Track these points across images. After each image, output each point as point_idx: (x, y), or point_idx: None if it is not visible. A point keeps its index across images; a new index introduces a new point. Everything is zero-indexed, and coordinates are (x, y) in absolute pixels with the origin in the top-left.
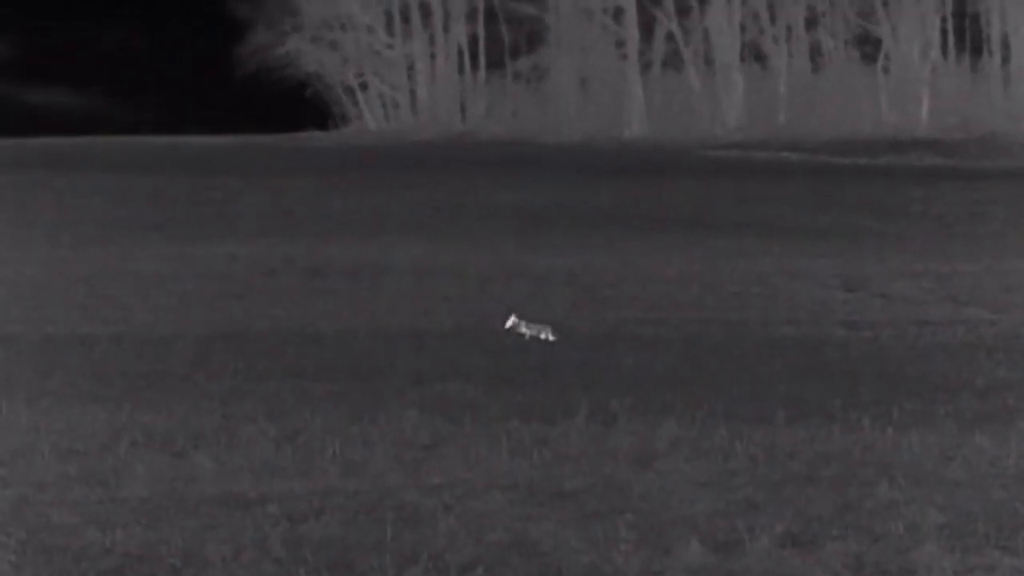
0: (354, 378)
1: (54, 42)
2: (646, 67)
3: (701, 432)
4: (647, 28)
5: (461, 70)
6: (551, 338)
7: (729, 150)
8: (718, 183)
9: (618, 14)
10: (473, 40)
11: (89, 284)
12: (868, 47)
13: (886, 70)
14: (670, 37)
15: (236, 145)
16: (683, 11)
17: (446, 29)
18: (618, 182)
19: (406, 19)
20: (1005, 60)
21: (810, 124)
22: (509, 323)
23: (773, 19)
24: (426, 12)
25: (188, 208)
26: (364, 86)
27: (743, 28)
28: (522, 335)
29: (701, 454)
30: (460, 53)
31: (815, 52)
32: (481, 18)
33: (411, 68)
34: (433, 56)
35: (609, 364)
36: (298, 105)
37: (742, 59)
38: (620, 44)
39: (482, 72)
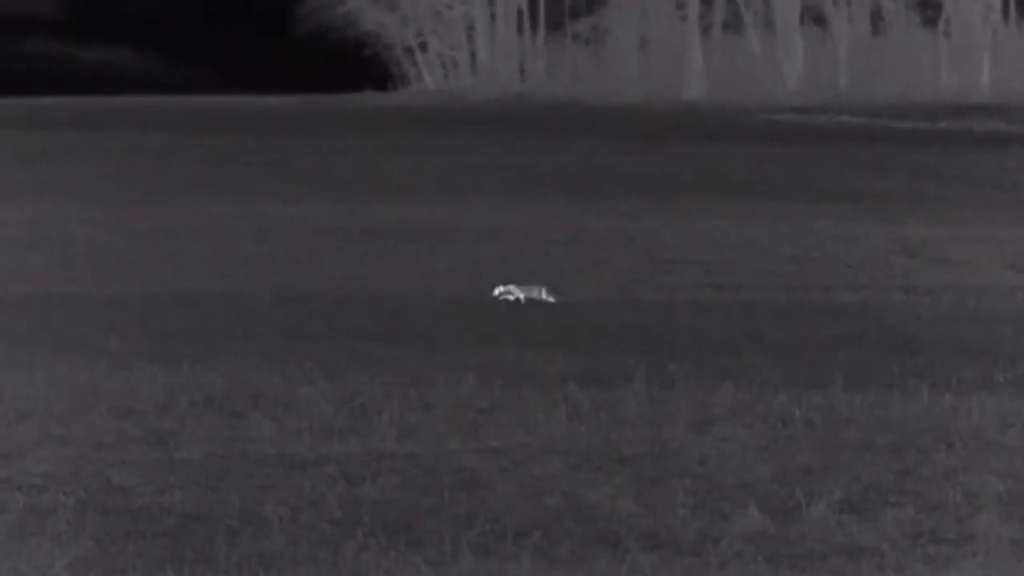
0: (412, 341)
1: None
2: (706, 29)
3: (759, 397)
4: None
5: (521, 31)
6: (550, 299)
7: (788, 114)
8: (777, 147)
9: None
10: (533, 1)
11: (147, 243)
12: (929, 11)
13: (947, 34)
14: None
15: (294, 105)
16: None
17: None
18: (677, 145)
19: None
20: None
21: (870, 88)
22: (497, 291)
23: None
24: None
25: (246, 168)
26: (424, 46)
27: None
28: (517, 300)
29: (759, 419)
30: (520, 14)
31: (875, 15)
32: None
33: (471, 28)
34: (493, 17)
35: (667, 328)
36: (357, 65)
37: (802, 22)
38: (680, 6)
39: (542, 33)
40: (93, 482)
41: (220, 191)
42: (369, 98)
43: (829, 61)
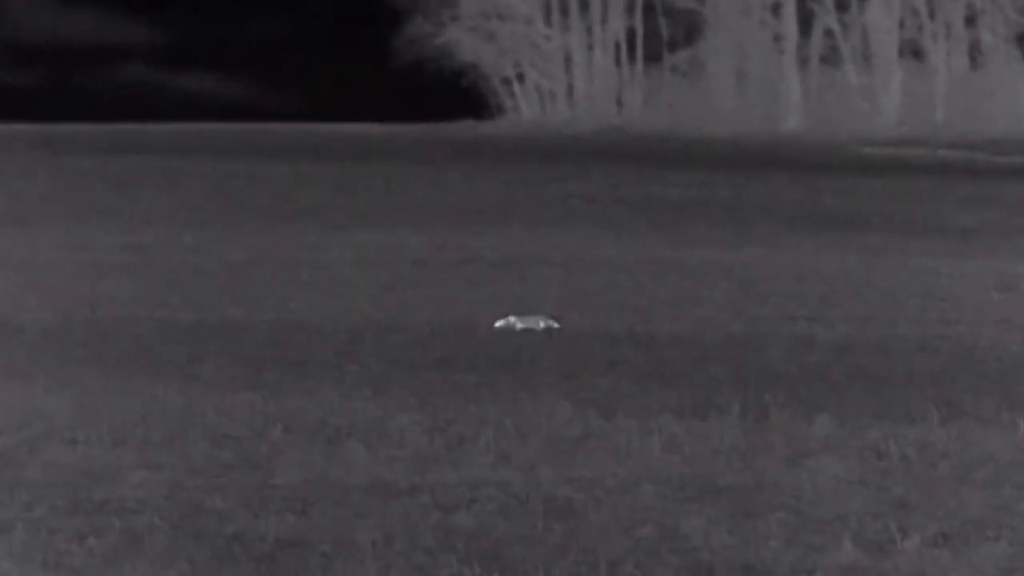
0: (506, 370)
1: (205, 29)
2: (803, 62)
3: (854, 430)
4: (805, 23)
5: (618, 63)
6: (555, 325)
7: (886, 147)
8: (874, 180)
9: (776, 9)
10: (631, 33)
11: (241, 270)
12: None
13: None
14: (828, 33)
15: (390, 133)
16: (842, 6)
17: (604, 21)
18: (773, 177)
19: (564, 11)
20: None
21: (968, 122)
22: (500, 324)
23: (932, 16)
24: (584, 4)
25: (341, 196)
26: (521, 77)
27: (902, 24)
28: (515, 330)
29: (854, 452)
30: (617, 46)
31: (974, 49)
32: (639, 11)
33: (568, 60)
34: (591, 48)
35: (761, 360)
36: (454, 95)
37: (900, 55)
38: (778, 39)
39: (639, 65)
40: (187, 507)
41: (316, 219)
42: (466, 128)
43: (926, 95)
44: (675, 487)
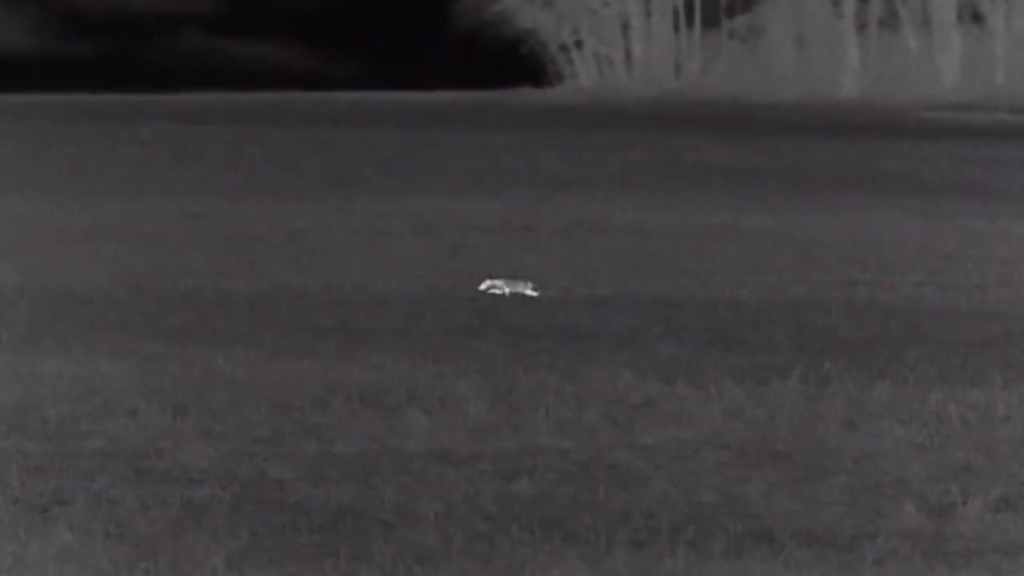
0: (567, 337)
1: None
2: (862, 26)
3: (914, 394)
4: None
5: (676, 28)
6: (533, 294)
7: (945, 111)
8: (933, 144)
9: None
10: None
11: (303, 239)
12: None
13: None
14: None
15: (449, 101)
16: None
17: None
18: (832, 142)
19: None
20: None
21: None
22: (484, 286)
23: None
24: None
25: (400, 164)
26: (579, 44)
27: None
28: (501, 294)
29: (914, 417)
30: (675, 11)
31: None
32: None
33: (626, 26)
34: (648, 14)
35: (822, 325)
36: (513, 62)
37: (959, 19)
38: (836, 3)
39: (697, 30)
40: (249, 476)
41: (376, 187)
42: (524, 95)
43: (986, 58)
44: (736, 452)
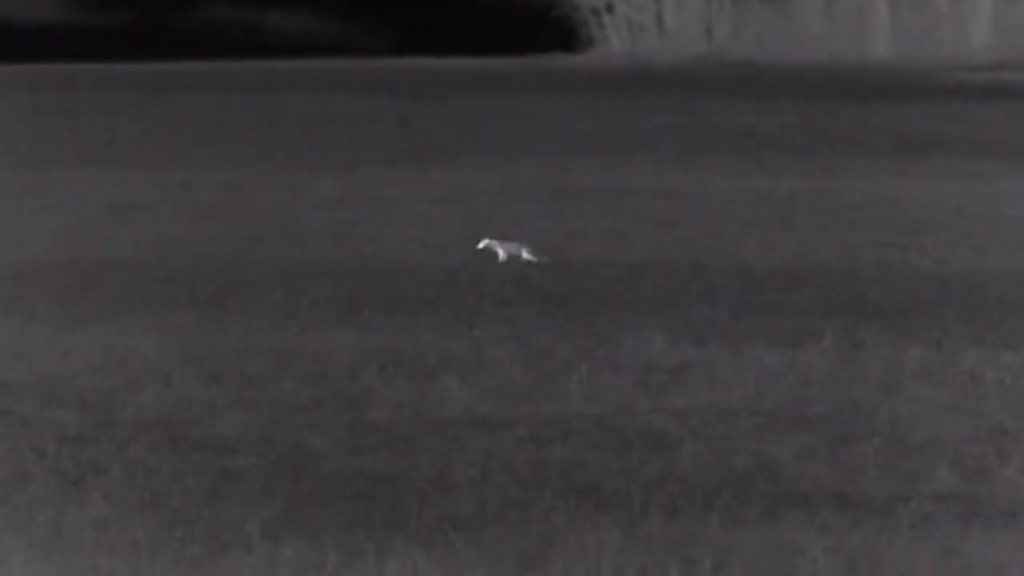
0: (600, 301)
1: None
2: None
3: (949, 357)
4: None
5: None
6: (532, 258)
7: (976, 72)
8: (964, 105)
9: None
10: None
11: (334, 209)
12: None
13: None
14: None
15: (480, 67)
16: None
17: None
18: (863, 104)
19: None
20: None
21: None
22: (482, 244)
23: None
24: None
25: (432, 132)
26: (610, 8)
27: None
28: (496, 255)
29: (949, 379)
30: None
31: None
32: None
33: None
34: None
35: (854, 288)
36: (544, 27)
37: None
38: None
39: None
40: (284, 445)
41: (408, 155)
42: (556, 60)
43: (1018, 19)
44: (770, 416)
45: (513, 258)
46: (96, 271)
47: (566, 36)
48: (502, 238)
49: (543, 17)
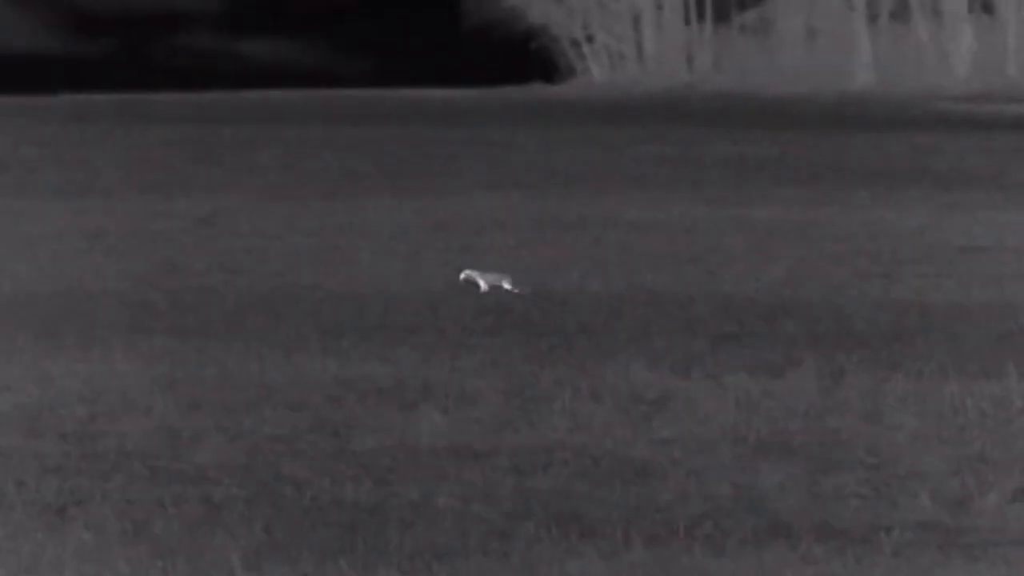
0: (582, 331)
1: None
2: (873, 19)
3: (930, 386)
4: None
5: (688, 22)
6: (511, 288)
7: (957, 102)
8: (946, 136)
9: None
10: None
11: (316, 236)
12: None
13: None
14: None
15: (461, 98)
16: None
17: None
18: (844, 134)
19: None
20: None
21: None
22: (463, 276)
23: None
24: None
25: (414, 161)
26: (590, 38)
27: None
28: (477, 286)
29: (930, 408)
30: (686, 5)
31: None
32: None
33: (637, 20)
34: (660, 7)
35: (836, 318)
36: (524, 58)
37: (970, 10)
38: None
39: (709, 24)
40: (265, 474)
41: (388, 185)
42: (536, 91)
43: (998, 49)
44: (751, 446)
45: (494, 288)
46: (76, 301)
47: (546, 66)
48: (483, 269)
49: (523, 47)
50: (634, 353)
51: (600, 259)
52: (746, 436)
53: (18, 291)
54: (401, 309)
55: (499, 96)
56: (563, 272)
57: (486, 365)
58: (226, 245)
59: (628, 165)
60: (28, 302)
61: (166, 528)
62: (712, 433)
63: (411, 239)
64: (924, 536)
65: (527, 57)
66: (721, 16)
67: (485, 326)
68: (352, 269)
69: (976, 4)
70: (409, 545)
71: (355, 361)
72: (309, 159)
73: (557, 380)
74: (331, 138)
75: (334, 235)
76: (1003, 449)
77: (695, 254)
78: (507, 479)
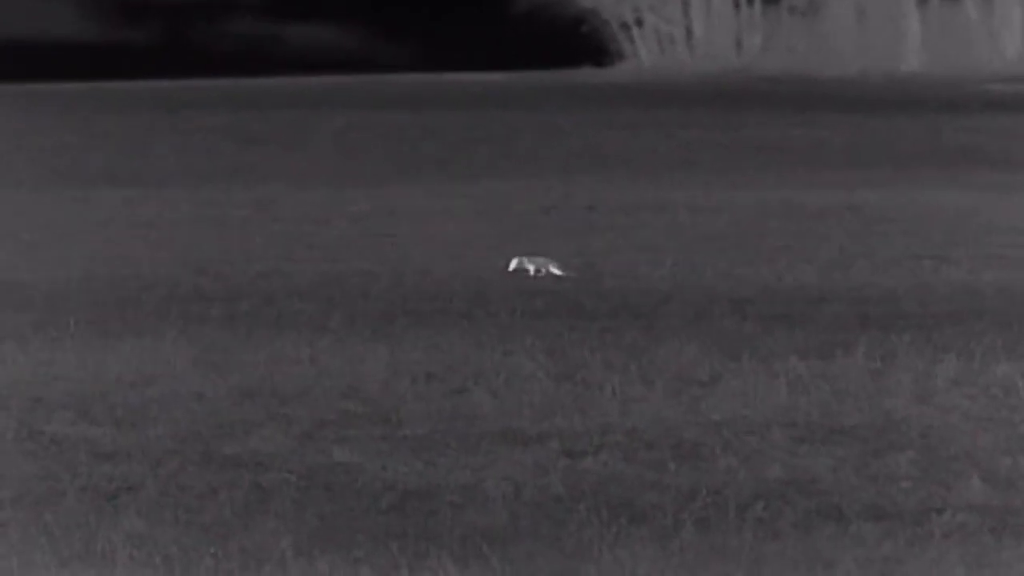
0: (632, 315)
1: None
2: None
3: (981, 368)
4: None
5: (737, 5)
6: (559, 272)
7: (1007, 83)
8: (996, 116)
9: None
10: None
11: (365, 222)
12: None
13: None
14: None
15: (510, 81)
16: None
17: None
18: (894, 116)
19: None
20: None
21: None
22: (512, 265)
23: None
24: None
25: (463, 145)
26: (640, 22)
27: None
28: (527, 272)
29: (981, 390)
30: None
31: None
32: None
33: (686, 3)
34: None
35: (887, 300)
36: (574, 42)
37: None
38: None
39: (758, 6)
40: (316, 460)
41: (438, 170)
42: (586, 74)
43: None
44: (802, 428)
45: (544, 272)
46: (128, 289)
47: (595, 50)
48: (531, 254)
49: (572, 31)
50: (684, 336)
51: (650, 243)
52: (796, 419)
53: (70, 279)
54: (451, 294)
55: (549, 80)
56: (613, 256)
57: (536, 349)
58: (277, 232)
59: (677, 149)
60: (80, 290)
61: (218, 514)
62: (763, 416)
63: (460, 224)
64: (975, 517)
65: (576, 41)
66: None
67: (535, 310)
68: (401, 254)
69: None
70: (460, 530)
71: (406, 346)
72: (359, 145)
73: (607, 363)
74: (381, 123)
75: (384, 221)
76: None
77: (745, 237)
78: (557, 463)
